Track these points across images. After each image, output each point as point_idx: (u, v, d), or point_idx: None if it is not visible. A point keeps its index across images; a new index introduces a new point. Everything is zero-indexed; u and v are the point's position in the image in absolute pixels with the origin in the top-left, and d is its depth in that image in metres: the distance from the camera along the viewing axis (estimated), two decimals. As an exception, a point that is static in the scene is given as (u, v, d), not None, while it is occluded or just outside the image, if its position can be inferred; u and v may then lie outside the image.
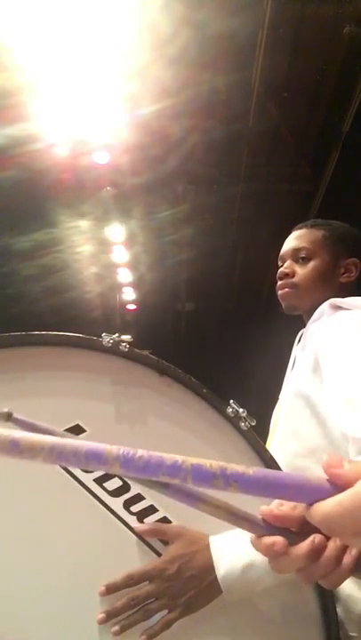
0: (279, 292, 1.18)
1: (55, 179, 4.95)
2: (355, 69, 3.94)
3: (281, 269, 1.18)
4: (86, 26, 3.41)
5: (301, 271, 1.16)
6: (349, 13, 3.42)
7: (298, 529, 0.42)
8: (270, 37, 3.75)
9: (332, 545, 0.40)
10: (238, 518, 0.42)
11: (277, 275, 1.19)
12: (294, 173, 5.20)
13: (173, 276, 6.90)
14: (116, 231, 6.08)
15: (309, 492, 0.36)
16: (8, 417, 0.45)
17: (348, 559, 0.41)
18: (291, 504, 0.42)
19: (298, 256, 1.18)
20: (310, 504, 0.36)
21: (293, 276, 1.16)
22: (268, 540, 0.41)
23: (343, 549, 0.41)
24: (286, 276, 1.17)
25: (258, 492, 0.36)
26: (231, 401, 0.78)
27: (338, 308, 1.02)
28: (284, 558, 0.40)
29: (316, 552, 0.40)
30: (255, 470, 0.36)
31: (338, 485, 0.36)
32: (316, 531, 0.39)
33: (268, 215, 5.30)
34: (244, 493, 0.36)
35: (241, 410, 0.77)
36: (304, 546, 0.40)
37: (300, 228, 1.22)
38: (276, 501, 0.44)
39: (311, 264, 1.16)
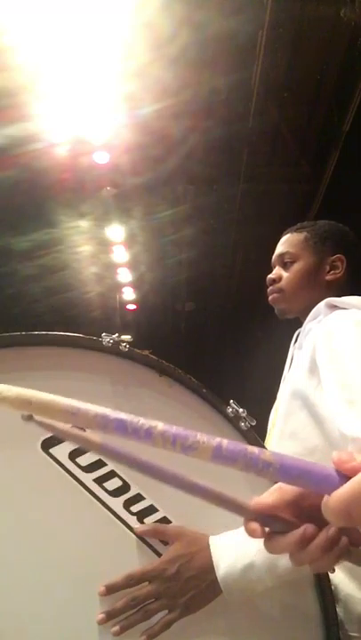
0: (269, 299, 1.22)
1: (55, 179, 4.95)
2: (355, 69, 3.94)
3: (268, 276, 1.22)
4: (86, 26, 3.41)
5: (286, 276, 1.20)
6: (349, 13, 3.42)
7: (291, 515, 0.45)
8: (270, 37, 3.75)
9: (323, 535, 0.42)
10: (228, 503, 0.44)
11: (266, 282, 1.22)
12: (294, 173, 5.20)
13: (173, 276, 6.90)
14: (116, 231, 6.08)
15: (322, 481, 0.37)
16: (29, 418, 0.45)
17: (338, 547, 0.43)
18: (277, 492, 0.46)
19: (283, 261, 1.21)
20: (322, 493, 0.37)
21: (280, 281, 1.20)
22: (252, 524, 0.44)
23: (333, 540, 0.42)
24: (273, 282, 1.20)
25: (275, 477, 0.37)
26: (231, 401, 0.78)
27: (334, 307, 1.02)
28: (275, 542, 0.44)
29: (306, 541, 0.42)
30: (276, 466, 0.36)
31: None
32: (312, 519, 0.42)
33: (268, 215, 5.30)
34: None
35: (241, 410, 0.77)
36: (296, 534, 0.42)
37: (287, 233, 1.26)
38: (276, 486, 0.47)
39: (295, 267, 1.19)
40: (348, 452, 0.37)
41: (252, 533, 0.44)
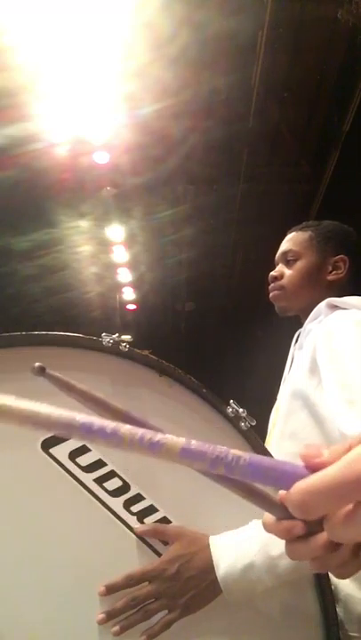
0: (270, 295, 1.22)
1: (55, 179, 4.95)
2: (355, 69, 3.94)
3: (271, 273, 1.23)
4: (86, 26, 3.41)
5: (288, 273, 1.20)
6: (346, 14, 3.42)
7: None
8: (270, 37, 3.75)
9: None
10: (259, 498, 0.41)
11: (268, 279, 1.23)
12: (294, 173, 5.20)
13: (173, 276, 6.90)
14: (116, 231, 6.08)
15: (289, 478, 0.36)
16: (41, 371, 0.45)
17: None
18: None
19: (286, 259, 1.22)
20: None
21: (282, 278, 1.20)
22: (288, 523, 0.40)
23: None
24: (275, 279, 1.21)
25: (249, 478, 0.36)
26: (231, 401, 0.78)
27: (335, 307, 1.02)
28: (302, 545, 0.40)
29: (336, 543, 0.39)
30: (246, 458, 0.35)
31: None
32: None
33: (268, 215, 5.30)
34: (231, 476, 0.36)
35: (241, 410, 0.77)
36: (325, 535, 0.38)
37: (291, 232, 1.26)
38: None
39: (297, 265, 1.19)
40: (316, 447, 0.37)
41: (290, 531, 0.39)
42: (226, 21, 3.52)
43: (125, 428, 0.33)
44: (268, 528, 0.42)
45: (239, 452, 0.35)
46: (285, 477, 0.36)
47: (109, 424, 0.33)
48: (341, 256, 1.18)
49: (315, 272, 1.18)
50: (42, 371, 0.44)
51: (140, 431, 0.33)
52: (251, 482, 0.37)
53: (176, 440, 0.34)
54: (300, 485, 0.35)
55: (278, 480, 0.36)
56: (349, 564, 0.40)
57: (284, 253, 1.22)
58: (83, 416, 0.33)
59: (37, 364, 0.43)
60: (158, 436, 0.34)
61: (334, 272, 1.17)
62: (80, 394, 0.46)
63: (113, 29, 3.47)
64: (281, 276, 1.20)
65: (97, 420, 0.33)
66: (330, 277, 1.17)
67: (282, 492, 0.40)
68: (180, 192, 5.44)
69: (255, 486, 0.41)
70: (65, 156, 4.70)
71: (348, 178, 4.40)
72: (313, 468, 0.36)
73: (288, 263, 1.21)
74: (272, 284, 1.21)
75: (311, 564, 0.41)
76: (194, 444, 0.34)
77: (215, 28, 3.55)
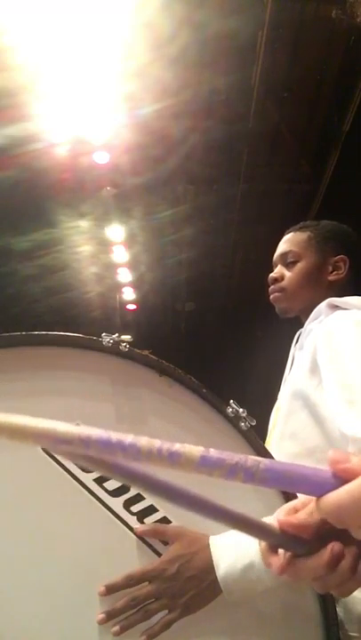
0: (270, 297, 1.21)
1: (55, 179, 4.95)
2: (355, 69, 3.94)
3: (270, 275, 1.21)
4: (86, 26, 3.41)
5: (289, 275, 1.19)
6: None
7: (312, 537, 0.42)
8: (270, 37, 3.75)
9: (349, 554, 0.40)
10: (251, 526, 0.41)
11: (268, 280, 1.22)
12: (294, 173, 5.21)
13: (173, 276, 6.91)
14: (116, 231, 6.08)
15: (317, 485, 0.36)
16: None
17: None
18: (307, 511, 0.42)
19: (286, 260, 1.21)
20: (318, 497, 0.36)
21: (282, 280, 1.19)
22: (273, 559, 0.41)
23: (358, 558, 0.40)
24: (275, 281, 1.20)
25: (269, 484, 0.36)
26: (231, 401, 0.78)
27: (335, 307, 1.02)
28: (303, 564, 0.40)
29: (335, 561, 0.40)
30: (266, 463, 0.35)
31: (346, 480, 0.35)
32: (332, 539, 0.39)
33: (268, 215, 5.30)
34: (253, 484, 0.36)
35: (241, 410, 0.77)
36: (324, 555, 0.39)
37: (290, 232, 1.25)
38: (288, 506, 0.45)
39: (298, 266, 1.18)
40: (344, 453, 0.37)
41: (276, 568, 0.41)
42: (226, 21, 3.52)
43: (144, 440, 0.33)
44: (264, 557, 0.43)
45: (258, 458, 0.35)
46: (307, 482, 0.36)
47: (127, 437, 0.33)
48: (342, 256, 1.17)
49: (315, 273, 1.17)
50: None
51: (157, 442, 0.33)
52: (270, 487, 0.37)
53: (194, 449, 0.33)
54: (332, 498, 0.35)
55: (298, 485, 0.36)
56: (349, 582, 0.41)
57: (284, 255, 1.21)
58: (99, 431, 0.33)
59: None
60: (176, 446, 0.33)
61: (335, 272, 1.17)
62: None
63: (113, 29, 3.47)
64: (281, 278, 1.19)
65: (113, 434, 0.33)
66: (330, 278, 1.17)
67: (304, 498, 0.40)
68: (180, 192, 5.45)
69: (250, 517, 0.40)
70: (65, 156, 4.70)
71: (348, 178, 4.40)
72: (340, 474, 0.36)
73: (288, 265, 1.20)
74: (272, 286, 1.20)
75: (312, 584, 0.42)
76: (212, 451, 0.34)
77: (215, 28, 3.55)
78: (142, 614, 0.73)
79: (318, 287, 1.16)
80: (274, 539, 0.41)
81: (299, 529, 0.41)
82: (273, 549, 0.43)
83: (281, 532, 0.41)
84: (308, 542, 0.41)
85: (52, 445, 0.32)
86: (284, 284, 1.18)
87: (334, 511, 0.35)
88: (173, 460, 0.33)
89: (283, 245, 1.23)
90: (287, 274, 1.19)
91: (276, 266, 1.23)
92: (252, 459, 0.35)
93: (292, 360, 1.16)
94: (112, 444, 0.32)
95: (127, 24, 3.45)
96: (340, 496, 0.35)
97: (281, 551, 0.42)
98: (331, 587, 0.41)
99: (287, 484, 0.36)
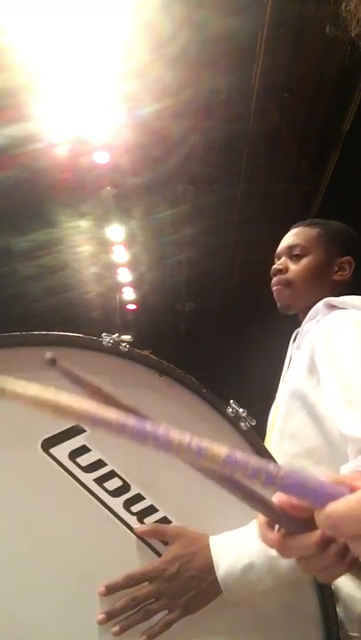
0: (273, 289, 1.18)
1: (55, 179, 4.95)
2: (355, 69, 3.93)
3: (274, 266, 1.18)
4: (86, 26, 3.41)
5: (295, 268, 1.16)
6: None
7: (307, 518, 0.43)
8: (270, 37, 3.75)
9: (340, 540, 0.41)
10: (255, 500, 0.43)
11: (271, 271, 1.19)
12: (294, 173, 5.20)
13: (173, 276, 6.91)
14: (116, 231, 6.08)
15: (333, 499, 0.37)
16: (52, 363, 0.46)
17: (350, 556, 0.42)
18: None
19: (292, 253, 1.18)
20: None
21: (287, 272, 1.16)
22: (268, 534, 0.43)
23: (347, 545, 0.41)
24: (280, 272, 1.17)
25: (286, 491, 0.37)
26: (231, 401, 0.78)
27: (333, 307, 1.02)
28: (292, 542, 0.42)
29: (325, 542, 0.41)
30: (287, 470, 0.37)
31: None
32: None
33: (268, 215, 5.30)
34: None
35: (241, 410, 0.77)
36: (316, 534, 0.41)
37: (297, 227, 1.23)
38: None
39: (305, 261, 1.16)
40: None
41: (269, 541, 0.43)
42: (226, 21, 3.52)
43: (176, 432, 0.35)
44: (260, 532, 0.44)
45: (280, 465, 0.37)
46: (323, 495, 0.37)
47: (160, 427, 0.35)
48: (348, 257, 1.17)
49: (321, 270, 1.16)
50: (53, 362, 0.44)
51: (187, 436, 0.35)
52: (288, 494, 0.39)
53: (221, 448, 0.35)
54: (330, 509, 0.36)
55: (314, 496, 0.37)
56: (334, 568, 0.42)
57: (291, 247, 1.18)
58: (135, 418, 0.35)
59: (49, 355, 0.44)
60: (205, 442, 0.35)
61: (340, 272, 1.16)
62: (89, 388, 0.47)
63: (113, 29, 3.47)
64: (286, 270, 1.16)
65: (149, 424, 0.35)
66: (335, 277, 1.16)
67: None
68: (180, 192, 5.44)
69: (255, 490, 0.42)
70: (65, 156, 4.70)
71: (348, 178, 4.40)
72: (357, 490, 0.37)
73: (294, 258, 1.17)
74: (276, 278, 1.17)
75: (298, 562, 0.43)
76: (238, 453, 0.35)
77: (215, 28, 3.54)
78: (142, 614, 0.73)
79: (322, 285, 1.14)
80: (272, 514, 0.43)
81: (296, 509, 0.42)
82: (270, 525, 0.44)
83: (279, 509, 0.42)
84: (304, 523, 0.42)
85: (91, 426, 0.35)
86: (290, 277, 1.16)
87: (328, 518, 0.36)
88: (200, 454, 0.35)
89: (291, 238, 1.20)
90: (292, 267, 1.16)
91: (280, 258, 1.20)
92: (275, 465, 0.36)
93: (290, 360, 1.15)
94: (146, 433, 0.34)
95: (127, 24, 3.45)
96: (336, 505, 0.36)
97: (277, 527, 0.44)
98: (316, 568, 0.42)
99: (304, 495, 0.37)
